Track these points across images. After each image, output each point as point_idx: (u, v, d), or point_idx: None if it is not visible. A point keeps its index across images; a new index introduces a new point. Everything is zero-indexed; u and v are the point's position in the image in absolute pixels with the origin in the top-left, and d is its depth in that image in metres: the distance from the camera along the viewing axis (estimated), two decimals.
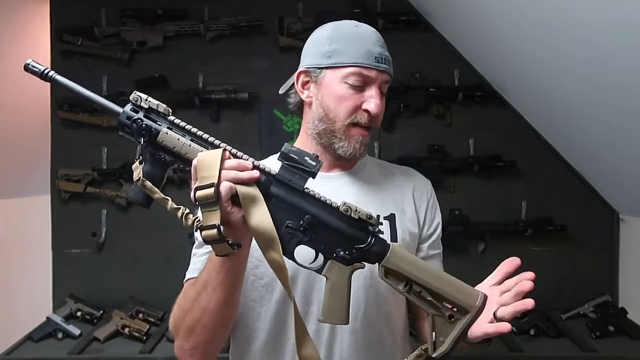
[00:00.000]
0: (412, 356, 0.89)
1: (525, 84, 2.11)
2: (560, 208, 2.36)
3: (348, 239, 0.86)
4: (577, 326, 2.13)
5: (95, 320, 2.20)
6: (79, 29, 2.40)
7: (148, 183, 0.82)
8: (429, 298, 0.85)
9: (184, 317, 0.96)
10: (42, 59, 2.46)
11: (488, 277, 0.93)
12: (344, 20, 1.07)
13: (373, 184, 1.12)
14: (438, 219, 1.16)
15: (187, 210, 0.82)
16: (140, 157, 0.83)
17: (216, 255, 0.83)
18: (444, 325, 0.85)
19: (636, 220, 2.25)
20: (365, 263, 0.88)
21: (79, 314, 2.21)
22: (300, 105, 1.11)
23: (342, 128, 1.03)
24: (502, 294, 0.88)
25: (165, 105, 0.85)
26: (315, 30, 1.09)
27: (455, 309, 0.85)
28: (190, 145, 0.84)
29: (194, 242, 1.08)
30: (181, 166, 0.86)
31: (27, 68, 0.84)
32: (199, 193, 0.79)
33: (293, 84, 1.10)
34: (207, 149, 0.83)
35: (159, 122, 0.84)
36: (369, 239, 0.86)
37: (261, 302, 1.04)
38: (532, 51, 1.75)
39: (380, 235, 0.88)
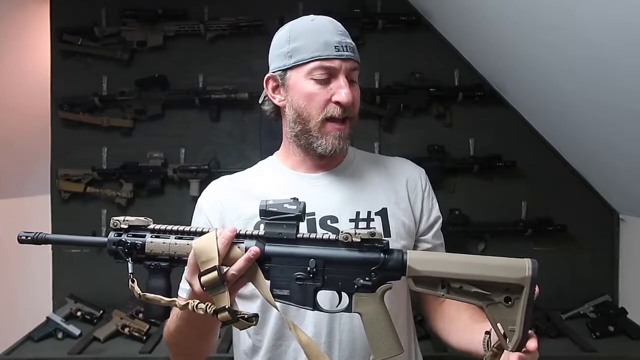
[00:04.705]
0: (487, 358, 0.80)
1: (525, 84, 2.10)
2: (560, 208, 2.35)
3: (361, 265, 0.81)
4: (577, 326, 2.12)
5: (95, 320, 2.20)
6: (79, 29, 2.39)
7: (150, 295, 0.85)
8: (474, 289, 0.75)
9: (169, 342, 1.07)
10: (42, 59, 2.46)
11: None
12: (300, 17, 1.06)
13: (362, 179, 1.11)
14: (436, 207, 1.15)
15: (197, 302, 0.83)
16: (131, 276, 0.86)
17: (240, 329, 0.87)
18: (504, 312, 0.75)
19: (636, 220, 2.25)
20: (392, 282, 0.82)
21: (79, 314, 2.21)
22: (278, 111, 1.10)
23: (316, 125, 1.02)
24: None
25: (142, 218, 0.88)
26: (275, 34, 1.08)
27: (507, 289, 0.74)
28: (176, 244, 0.85)
29: None
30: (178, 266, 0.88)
31: (20, 240, 0.94)
32: (204, 279, 0.81)
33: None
34: (193, 239, 0.84)
35: (141, 235, 0.86)
36: (381, 255, 0.81)
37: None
38: (532, 51, 1.75)
39: (391, 247, 0.83)
